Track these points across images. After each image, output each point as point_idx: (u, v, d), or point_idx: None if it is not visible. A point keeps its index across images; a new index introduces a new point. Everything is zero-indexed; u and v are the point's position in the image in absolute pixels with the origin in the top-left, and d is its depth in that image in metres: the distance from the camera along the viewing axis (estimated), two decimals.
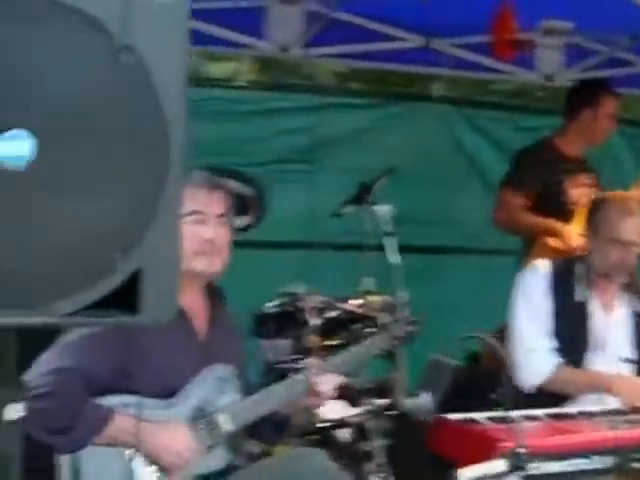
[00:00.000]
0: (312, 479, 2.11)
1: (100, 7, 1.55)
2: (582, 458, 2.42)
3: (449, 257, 6.19)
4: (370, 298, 4.21)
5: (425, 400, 2.27)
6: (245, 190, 4.18)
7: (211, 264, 2.83)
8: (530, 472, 2.37)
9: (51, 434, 2.51)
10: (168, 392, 2.73)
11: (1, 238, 1.51)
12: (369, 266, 4.45)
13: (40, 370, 2.55)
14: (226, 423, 2.74)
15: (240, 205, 4.17)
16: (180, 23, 1.64)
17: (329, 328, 4.07)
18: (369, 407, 4.30)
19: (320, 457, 2.76)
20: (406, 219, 6.06)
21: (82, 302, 1.61)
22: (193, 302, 2.85)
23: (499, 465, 2.11)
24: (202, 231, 2.79)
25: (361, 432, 4.60)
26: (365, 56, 5.78)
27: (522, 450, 2.13)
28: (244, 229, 4.29)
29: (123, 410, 2.63)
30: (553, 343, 3.45)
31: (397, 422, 4.21)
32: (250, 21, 5.09)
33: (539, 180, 4.58)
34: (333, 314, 4.10)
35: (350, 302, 4.24)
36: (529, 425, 2.74)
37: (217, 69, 6.10)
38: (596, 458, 2.45)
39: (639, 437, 2.65)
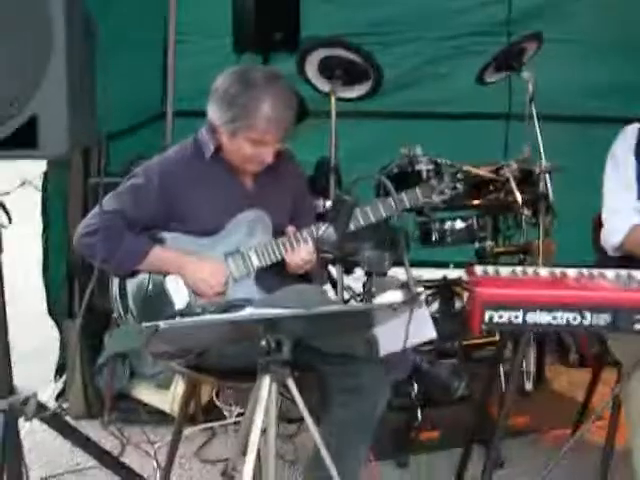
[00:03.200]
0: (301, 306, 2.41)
1: None
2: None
3: None
4: (506, 164, 4.24)
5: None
6: (355, 58, 4.30)
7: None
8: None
9: (100, 263, 2.97)
10: (207, 233, 3.17)
11: None
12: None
13: (91, 215, 3.14)
14: (255, 258, 3.20)
15: (352, 74, 4.39)
16: None
17: None
18: None
19: (314, 291, 3.05)
20: (618, 90, 5.80)
21: None
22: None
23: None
24: (262, 155, 3.12)
25: None
26: None
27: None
28: (360, 98, 4.49)
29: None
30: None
31: None
32: None
33: None
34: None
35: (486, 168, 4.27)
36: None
37: None
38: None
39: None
